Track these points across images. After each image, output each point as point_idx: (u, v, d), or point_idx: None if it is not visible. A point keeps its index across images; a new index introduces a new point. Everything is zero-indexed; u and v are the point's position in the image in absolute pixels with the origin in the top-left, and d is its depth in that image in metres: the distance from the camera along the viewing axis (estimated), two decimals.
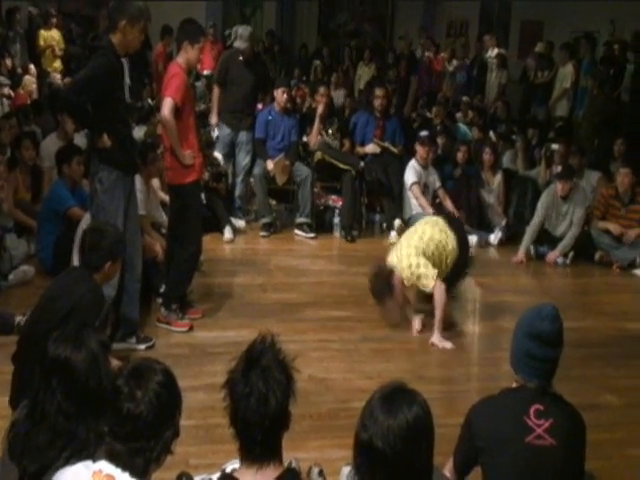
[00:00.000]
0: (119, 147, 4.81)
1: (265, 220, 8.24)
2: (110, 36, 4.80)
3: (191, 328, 5.54)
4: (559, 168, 8.26)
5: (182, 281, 5.67)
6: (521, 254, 7.81)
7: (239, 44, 8.42)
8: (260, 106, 9.29)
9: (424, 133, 8.76)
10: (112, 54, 4.73)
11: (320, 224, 8.44)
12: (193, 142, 5.48)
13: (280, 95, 8.37)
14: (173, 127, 5.25)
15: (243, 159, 8.41)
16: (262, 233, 8.18)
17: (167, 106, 5.22)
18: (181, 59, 5.49)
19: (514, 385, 2.88)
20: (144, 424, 2.35)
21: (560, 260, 7.76)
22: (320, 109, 8.61)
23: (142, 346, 5.13)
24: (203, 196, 7.16)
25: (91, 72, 4.71)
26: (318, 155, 8.62)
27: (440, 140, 9.50)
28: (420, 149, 8.33)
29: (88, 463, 2.35)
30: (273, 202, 8.84)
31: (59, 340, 2.70)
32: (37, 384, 2.70)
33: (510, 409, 2.76)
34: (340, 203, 8.45)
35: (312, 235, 8.21)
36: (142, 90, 11.48)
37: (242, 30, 8.50)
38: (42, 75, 11.95)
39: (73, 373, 2.62)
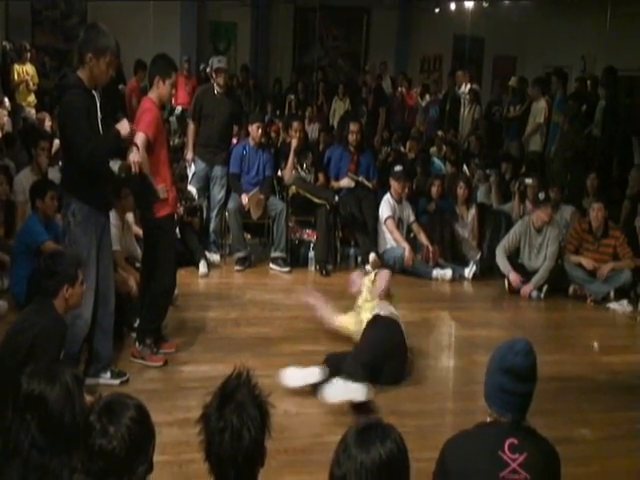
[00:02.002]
0: (91, 183, 4.77)
1: (240, 254, 8.23)
2: (78, 71, 4.75)
3: (165, 363, 5.50)
4: (534, 201, 8.36)
5: (156, 315, 5.64)
6: (514, 277, 7.83)
7: (218, 65, 8.44)
8: (235, 141, 9.33)
9: (398, 168, 8.85)
10: (81, 90, 4.68)
11: (295, 258, 8.45)
12: (166, 176, 5.48)
13: (255, 130, 8.41)
14: (145, 162, 5.25)
15: (218, 193, 8.43)
16: (237, 267, 8.16)
17: (139, 141, 5.20)
18: (153, 94, 5.51)
19: (488, 419, 2.87)
20: (117, 460, 2.33)
21: (534, 294, 7.80)
22: (294, 143, 8.65)
23: (116, 381, 5.08)
24: (177, 230, 7.16)
25: (73, 120, 4.64)
26: (293, 189, 8.65)
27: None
28: (395, 184, 8.42)
29: None
30: (248, 236, 8.85)
31: (32, 375, 2.68)
32: (10, 418, 2.67)
33: (484, 444, 2.76)
34: (315, 237, 8.47)
35: (287, 269, 8.21)
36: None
37: (218, 60, 8.56)
38: (16, 109, 11.92)
39: (47, 408, 2.60)
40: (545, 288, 7.82)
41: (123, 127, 4.79)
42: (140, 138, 5.20)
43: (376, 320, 5.58)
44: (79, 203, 4.75)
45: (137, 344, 5.54)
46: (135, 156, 4.91)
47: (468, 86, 13.55)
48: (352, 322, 5.88)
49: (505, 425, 2.77)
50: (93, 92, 4.79)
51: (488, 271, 8.30)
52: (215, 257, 8.33)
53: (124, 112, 12.36)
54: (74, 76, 4.76)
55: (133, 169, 4.93)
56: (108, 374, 5.08)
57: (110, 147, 4.83)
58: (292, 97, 15.44)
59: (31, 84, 12.45)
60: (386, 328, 5.51)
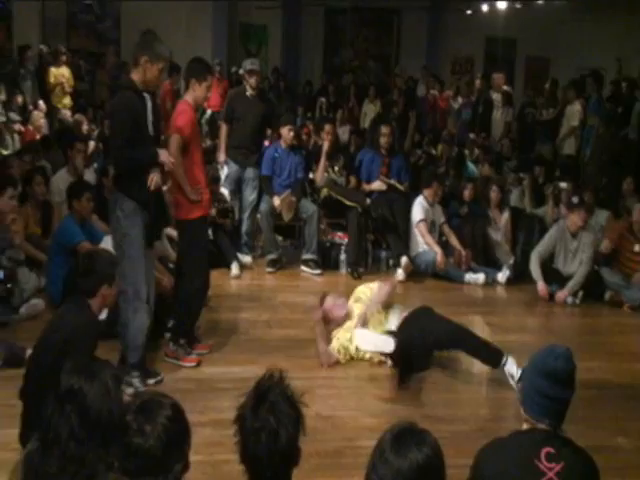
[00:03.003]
0: (136, 181, 4.89)
1: (271, 256, 8.25)
2: (132, 73, 4.90)
3: (199, 363, 5.53)
4: (568, 205, 8.27)
5: (190, 316, 5.67)
6: (542, 288, 7.76)
7: (250, 67, 8.47)
8: (267, 143, 9.35)
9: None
10: (132, 91, 4.82)
11: (326, 261, 8.44)
12: (200, 178, 5.52)
13: (286, 132, 8.43)
14: (179, 163, 5.28)
15: (250, 195, 8.45)
16: (268, 269, 8.18)
17: (174, 142, 5.27)
18: (189, 97, 5.55)
19: (524, 427, 2.84)
20: (153, 458, 2.35)
21: (569, 299, 7.71)
22: (326, 146, 8.66)
23: (151, 381, 5.12)
24: (210, 231, 7.18)
25: (117, 122, 4.86)
26: (324, 192, 8.65)
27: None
28: (427, 191, 8.39)
29: None
30: (279, 238, 8.87)
31: (72, 371, 2.70)
32: (50, 409, 2.69)
33: (520, 452, 2.72)
34: (346, 240, 8.46)
35: (318, 272, 8.21)
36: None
37: (250, 62, 8.60)
38: (52, 111, 12.06)
39: (85, 403, 2.62)
40: (580, 294, 7.73)
41: (164, 155, 4.97)
42: (175, 139, 5.24)
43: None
44: (126, 199, 4.87)
45: (171, 344, 5.58)
46: (153, 176, 4.95)
47: (501, 88, 13.45)
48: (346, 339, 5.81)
49: (541, 433, 2.73)
50: (144, 94, 4.88)
51: (521, 276, 8.21)
52: (247, 259, 8.35)
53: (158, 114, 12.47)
54: (127, 78, 4.93)
55: (150, 187, 4.95)
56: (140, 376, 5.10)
57: (142, 162, 4.92)
58: (323, 99, 15.46)
59: (66, 86, 12.62)
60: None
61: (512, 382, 5.26)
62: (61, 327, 4.01)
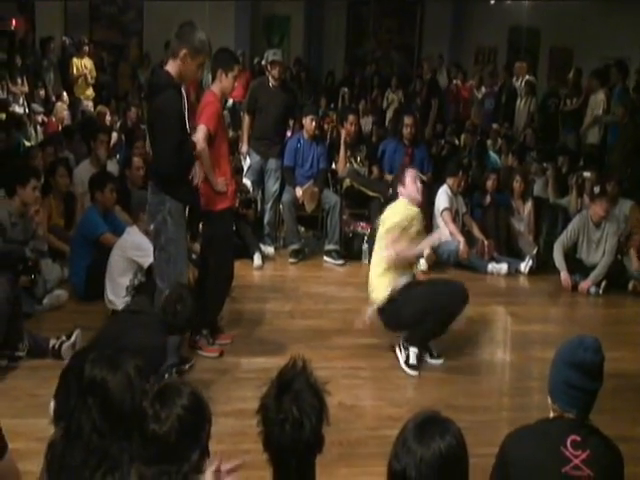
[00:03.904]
0: (186, 181, 4.85)
1: (294, 247, 8.26)
2: (167, 66, 4.78)
3: (222, 354, 5.55)
4: (591, 195, 8.22)
5: (213, 307, 5.69)
6: (565, 278, 7.72)
7: (273, 58, 8.46)
8: (289, 133, 9.35)
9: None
10: (173, 90, 4.70)
11: (349, 251, 8.43)
12: (226, 169, 5.52)
13: (309, 123, 8.43)
14: (206, 155, 5.28)
15: (272, 186, 8.45)
16: (291, 260, 8.19)
17: (201, 134, 5.25)
18: (216, 88, 5.54)
19: (551, 415, 2.84)
20: (168, 446, 2.35)
21: (592, 289, 7.66)
22: (343, 135, 8.65)
23: (185, 366, 5.17)
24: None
25: (167, 125, 4.69)
26: (347, 182, 8.64)
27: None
28: (451, 180, 8.35)
29: None
30: (302, 229, 8.87)
31: (95, 362, 2.72)
32: (73, 402, 2.72)
33: (546, 439, 2.73)
34: (369, 230, 8.45)
35: (341, 262, 8.21)
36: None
37: (273, 53, 8.58)
38: (74, 102, 12.14)
39: (108, 394, 2.64)
40: (603, 284, 7.67)
41: (198, 143, 5.00)
42: (202, 130, 5.24)
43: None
44: (174, 202, 4.81)
45: (193, 335, 5.60)
46: (197, 169, 4.96)
47: (524, 78, 13.37)
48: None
49: (568, 421, 2.74)
50: (181, 89, 4.81)
51: (544, 266, 8.17)
52: (269, 249, 8.36)
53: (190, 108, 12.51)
54: (165, 73, 4.76)
55: (195, 181, 4.95)
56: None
57: (190, 164, 4.88)
58: (345, 90, 15.43)
59: (89, 78, 12.70)
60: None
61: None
62: (136, 344, 4.04)
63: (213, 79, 5.69)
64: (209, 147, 5.31)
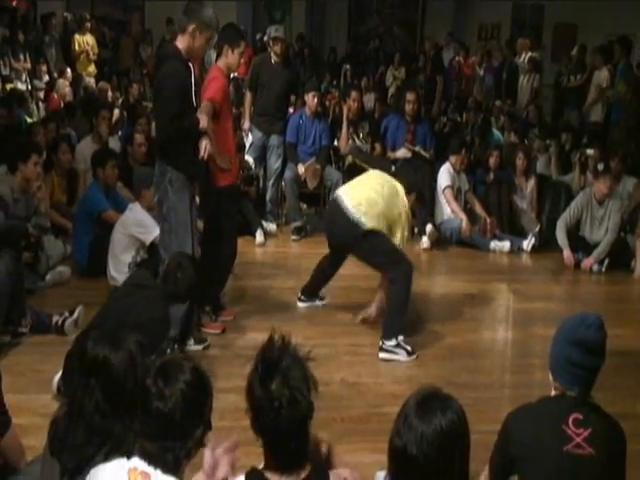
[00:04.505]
0: (185, 153, 4.84)
1: (296, 224, 8.26)
2: (177, 41, 4.81)
3: (224, 330, 5.57)
4: (595, 173, 8.18)
5: (216, 284, 5.69)
6: (568, 256, 7.70)
7: (275, 34, 8.40)
8: (291, 110, 9.31)
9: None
10: (179, 61, 4.73)
11: None
12: (230, 146, 5.50)
13: (311, 99, 8.40)
14: (211, 130, 5.26)
15: (274, 163, 8.43)
16: (293, 237, 8.19)
17: (206, 109, 5.20)
18: (221, 63, 5.51)
19: (553, 393, 2.84)
20: (172, 423, 2.35)
21: (595, 267, 7.65)
22: (345, 112, 8.63)
23: (199, 347, 5.18)
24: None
25: (166, 93, 4.72)
26: (349, 159, 8.61)
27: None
28: (454, 158, 8.32)
29: (123, 460, 2.37)
30: (304, 206, 8.87)
31: (97, 340, 2.72)
32: (75, 382, 2.72)
33: (548, 417, 2.73)
34: None
35: None
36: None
37: (275, 29, 8.54)
38: (77, 79, 12.09)
39: (110, 373, 2.64)
40: (606, 262, 7.66)
41: (203, 120, 4.88)
42: (207, 106, 5.21)
43: None
44: (175, 172, 4.82)
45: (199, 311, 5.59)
46: (206, 143, 4.92)
47: (527, 54, 13.28)
48: None
49: (570, 400, 2.74)
50: (189, 63, 4.81)
51: (547, 243, 8.16)
52: (271, 226, 8.36)
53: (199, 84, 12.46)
54: (172, 46, 4.83)
55: (201, 153, 4.93)
56: (192, 340, 5.17)
57: (190, 132, 4.85)
58: (348, 67, 15.36)
59: (91, 54, 12.64)
60: None
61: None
62: (139, 313, 4.11)
63: (218, 56, 5.66)
64: (214, 122, 5.25)
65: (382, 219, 5.37)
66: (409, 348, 5.29)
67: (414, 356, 5.29)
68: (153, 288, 4.48)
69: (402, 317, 5.35)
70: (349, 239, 5.41)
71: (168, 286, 4.46)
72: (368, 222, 5.30)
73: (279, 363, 2.24)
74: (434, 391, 2.34)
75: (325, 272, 6.09)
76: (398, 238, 5.44)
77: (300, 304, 6.14)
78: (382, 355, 5.25)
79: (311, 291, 6.15)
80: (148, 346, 3.38)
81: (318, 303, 6.18)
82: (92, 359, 2.67)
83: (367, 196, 5.41)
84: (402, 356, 5.25)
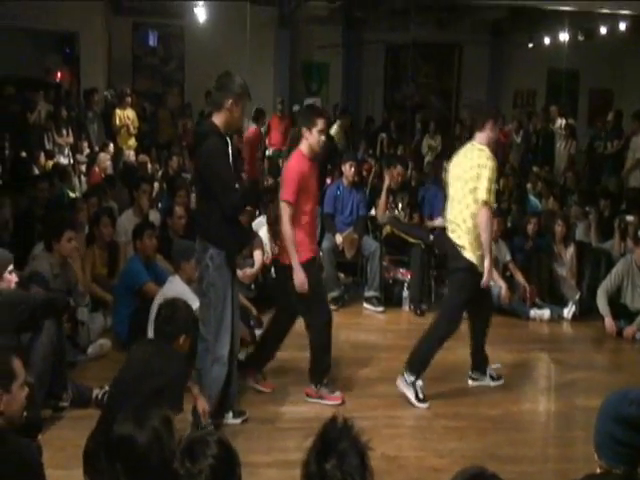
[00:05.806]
0: (227, 230, 4.87)
1: (334, 294, 8.24)
2: (213, 117, 4.88)
3: (343, 402, 5.57)
4: (635, 239, 8.09)
5: (325, 352, 5.68)
6: (610, 324, 7.57)
7: None
8: (329, 181, 9.40)
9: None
10: (218, 136, 4.80)
11: (389, 298, 8.41)
12: (307, 227, 5.53)
13: (348, 169, 8.49)
14: (287, 231, 5.33)
15: None
16: (331, 307, 8.17)
17: (283, 211, 5.34)
18: (303, 146, 5.55)
19: (598, 471, 2.77)
20: None
21: (638, 335, 7.52)
22: (387, 181, 8.67)
23: (238, 420, 5.16)
24: (272, 271, 7.21)
25: (218, 167, 4.76)
26: (387, 229, 8.65)
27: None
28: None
29: None
30: (342, 275, 8.87)
31: (123, 419, 2.73)
32: (103, 467, 2.72)
33: None
34: (409, 276, 8.42)
35: (381, 309, 8.19)
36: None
37: (312, 101, 8.68)
38: (117, 153, 12.34)
39: (135, 452, 2.63)
40: None
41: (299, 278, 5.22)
42: (283, 208, 5.34)
43: None
44: (216, 249, 4.84)
45: (313, 386, 5.64)
46: (259, 255, 5.00)
47: (563, 121, 13.33)
48: None
49: (615, 478, 2.67)
50: (227, 138, 4.91)
51: (588, 311, 8.05)
52: None
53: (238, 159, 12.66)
54: (210, 122, 4.90)
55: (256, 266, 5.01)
56: (231, 414, 5.15)
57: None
58: (384, 135, 15.50)
59: (132, 128, 12.90)
60: None
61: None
62: (157, 373, 4.05)
63: (299, 140, 5.71)
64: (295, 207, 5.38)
65: None
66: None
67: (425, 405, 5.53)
68: (157, 343, 4.45)
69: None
70: None
71: (162, 328, 4.38)
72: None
73: (337, 444, 2.24)
74: (480, 470, 2.31)
75: None
76: None
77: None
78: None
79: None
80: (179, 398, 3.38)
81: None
82: (116, 439, 2.67)
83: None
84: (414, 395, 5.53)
